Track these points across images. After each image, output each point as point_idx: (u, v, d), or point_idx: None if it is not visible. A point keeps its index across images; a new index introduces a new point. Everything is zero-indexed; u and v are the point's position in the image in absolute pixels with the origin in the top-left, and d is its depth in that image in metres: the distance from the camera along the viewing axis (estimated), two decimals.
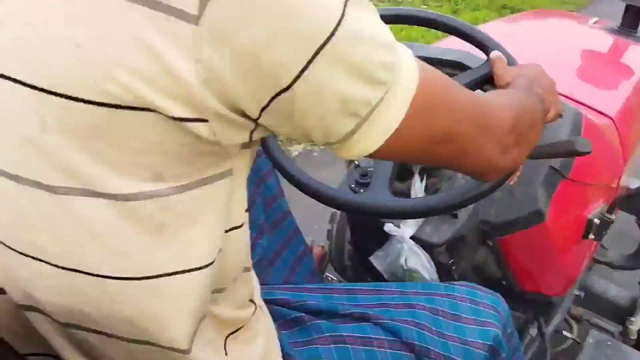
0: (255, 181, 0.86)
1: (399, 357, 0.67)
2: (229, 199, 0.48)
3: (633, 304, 1.42)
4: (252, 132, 0.44)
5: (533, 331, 1.20)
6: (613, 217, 1.10)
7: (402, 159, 0.71)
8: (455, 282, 0.78)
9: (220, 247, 0.49)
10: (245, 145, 0.47)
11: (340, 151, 0.48)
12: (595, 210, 1.09)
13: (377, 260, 0.98)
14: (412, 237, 0.94)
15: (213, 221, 0.47)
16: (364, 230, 1.13)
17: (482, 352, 0.69)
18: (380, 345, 0.67)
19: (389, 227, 0.94)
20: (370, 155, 0.47)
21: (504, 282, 1.10)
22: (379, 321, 0.69)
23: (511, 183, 0.97)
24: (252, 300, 0.60)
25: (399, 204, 0.76)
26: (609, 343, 1.17)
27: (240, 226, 0.52)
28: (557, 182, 0.99)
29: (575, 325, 1.34)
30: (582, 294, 1.35)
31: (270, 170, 0.88)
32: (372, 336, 0.68)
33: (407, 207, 0.75)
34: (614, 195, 1.21)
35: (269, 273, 0.84)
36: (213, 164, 0.44)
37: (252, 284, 0.60)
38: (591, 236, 1.08)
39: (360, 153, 0.47)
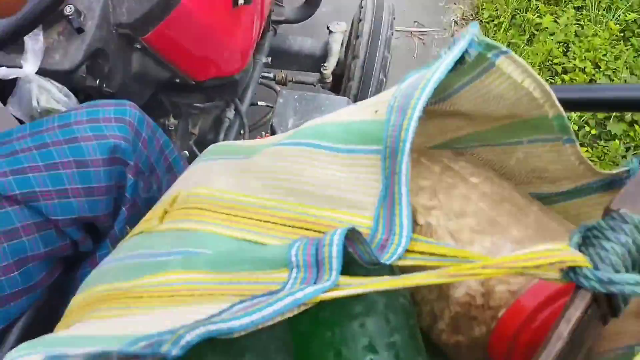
0: None
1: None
2: None
3: (324, 50, 1.52)
4: None
5: (230, 114, 1.23)
6: None
7: None
8: (74, 108, 0.72)
9: None
10: None
11: None
12: None
13: (13, 108, 0.86)
14: (40, 72, 0.83)
15: None
16: None
17: (101, 168, 0.66)
18: None
19: (4, 71, 0.81)
20: None
21: (177, 80, 1.06)
22: None
23: None
24: None
25: None
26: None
27: None
28: None
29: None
30: (270, 59, 1.40)
31: None
32: None
33: None
34: None
35: None
36: None
37: None
38: (240, 2, 1.05)
39: None
